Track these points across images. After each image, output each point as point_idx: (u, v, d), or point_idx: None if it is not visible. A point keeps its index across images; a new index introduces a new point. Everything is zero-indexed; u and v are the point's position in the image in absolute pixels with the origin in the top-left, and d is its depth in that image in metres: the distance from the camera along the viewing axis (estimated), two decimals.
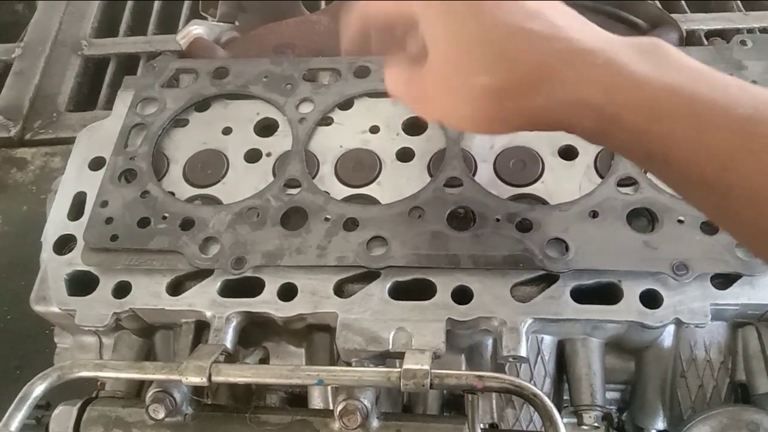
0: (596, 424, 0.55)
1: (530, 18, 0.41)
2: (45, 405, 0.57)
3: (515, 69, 0.41)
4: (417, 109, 0.49)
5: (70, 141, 0.97)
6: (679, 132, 0.39)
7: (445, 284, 0.55)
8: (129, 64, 1.07)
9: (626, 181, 0.58)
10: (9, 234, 0.90)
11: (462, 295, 0.55)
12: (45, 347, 0.79)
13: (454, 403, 0.63)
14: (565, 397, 0.60)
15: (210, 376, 0.50)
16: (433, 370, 0.48)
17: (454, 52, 0.43)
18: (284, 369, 0.50)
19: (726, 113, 0.38)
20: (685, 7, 1.04)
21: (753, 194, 0.37)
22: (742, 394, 0.58)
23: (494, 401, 0.59)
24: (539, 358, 0.58)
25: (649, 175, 0.58)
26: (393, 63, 0.49)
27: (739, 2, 1.05)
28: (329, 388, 0.59)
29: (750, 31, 0.98)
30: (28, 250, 0.87)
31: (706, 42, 0.95)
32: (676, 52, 0.41)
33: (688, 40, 0.90)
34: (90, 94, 1.05)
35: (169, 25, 1.12)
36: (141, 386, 0.62)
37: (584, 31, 0.42)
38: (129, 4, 1.16)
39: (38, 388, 0.51)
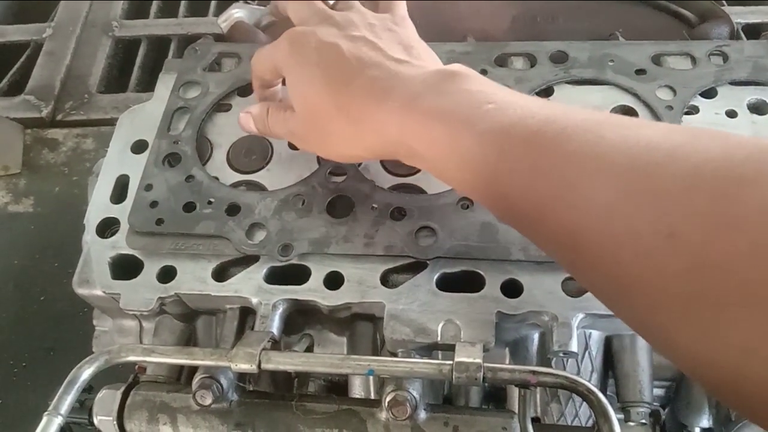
0: (644, 421, 0.55)
1: (355, 73, 0.50)
2: (87, 388, 0.57)
3: (350, 119, 0.51)
4: (296, 143, 0.60)
5: (101, 123, 0.98)
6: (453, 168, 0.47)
7: (494, 277, 0.54)
8: (160, 46, 1.06)
9: None
10: (41, 215, 0.90)
11: (511, 289, 0.54)
12: (79, 329, 0.79)
13: (494, 395, 0.62)
14: (608, 394, 0.60)
15: (260, 363, 0.49)
16: (485, 364, 0.47)
17: (309, 109, 0.53)
18: (335, 358, 0.50)
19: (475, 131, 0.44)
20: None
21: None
22: None
23: (538, 395, 0.58)
24: (587, 353, 0.57)
25: None
26: (268, 105, 0.59)
27: None
28: (371, 377, 0.59)
29: None
30: (61, 232, 0.87)
31: (745, 35, 0.93)
32: (472, 79, 0.47)
33: None
34: (120, 76, 1.05)
35: (199, 8, 1.11)
36: (180, 372, 0.62)
37: (397, 73, 0.50)
38: None
39: (86, 372, 0.51)
